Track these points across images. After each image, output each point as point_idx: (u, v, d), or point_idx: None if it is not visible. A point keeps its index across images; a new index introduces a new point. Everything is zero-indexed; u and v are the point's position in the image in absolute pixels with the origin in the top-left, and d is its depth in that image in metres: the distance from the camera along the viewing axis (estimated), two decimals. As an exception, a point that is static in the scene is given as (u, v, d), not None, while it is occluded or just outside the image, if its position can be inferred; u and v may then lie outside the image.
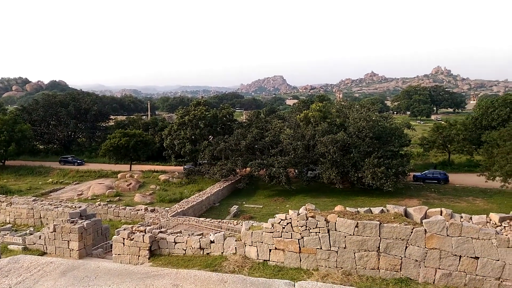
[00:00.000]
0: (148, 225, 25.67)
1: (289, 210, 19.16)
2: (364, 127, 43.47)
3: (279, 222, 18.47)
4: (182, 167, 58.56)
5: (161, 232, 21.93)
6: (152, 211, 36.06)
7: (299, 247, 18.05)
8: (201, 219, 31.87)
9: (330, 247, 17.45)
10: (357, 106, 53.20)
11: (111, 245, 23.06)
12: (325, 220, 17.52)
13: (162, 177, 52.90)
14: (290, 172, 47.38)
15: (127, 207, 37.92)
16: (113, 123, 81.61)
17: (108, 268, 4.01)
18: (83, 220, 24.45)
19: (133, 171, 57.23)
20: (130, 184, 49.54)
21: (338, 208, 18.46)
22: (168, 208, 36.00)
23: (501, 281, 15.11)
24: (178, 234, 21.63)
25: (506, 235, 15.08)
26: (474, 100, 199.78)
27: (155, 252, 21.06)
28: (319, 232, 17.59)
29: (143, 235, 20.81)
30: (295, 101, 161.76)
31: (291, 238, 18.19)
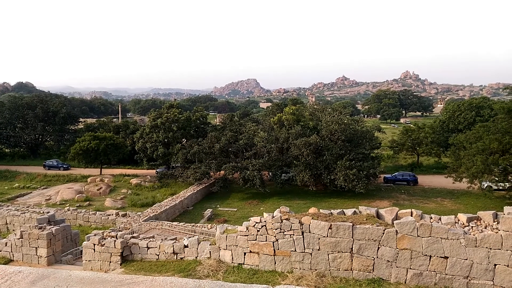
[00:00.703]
0: (119, 230, 25.10)
1: (264, 213, 19.20)
2: (336, 130, 44.12)
3: (254, 225, 18.47)
4: (154, 171, 57.72)
5: (133, 237, 21.51)
6: (124, 216, 35.35)
7: (274, 249, 18.10)
8: (175, 223, 31.46)
9: (304, 249, 17.58)
10: (329, 110, 53.90)
11: (81, 251, 22.46)
12: (299, 222, 17.65)
13: (134, 181, 51.90)
14: (264, 175, 47.50)
15: (97, 212, 37.10)
16: (82, 126, 79.51)
17: (80, 276, 3.88)
18: (52, 226, 23.67)
19: (104, 175, 55.94)
20: (101, 188, 48.36)
21: (312, 210, 18.64)
22: (140, 213, 35.37)
23: (469, 280, 15.62)
24: (151, 239, 21.27)
25: (474, 235, 15.61)
26: (441, 104, 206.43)
27: (127, 258, 20.62)
28: (294, 235, 17.70)
29: (115, 241, 20.34)
30: (269, 104, 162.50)
31: (266, 241, 18.21)
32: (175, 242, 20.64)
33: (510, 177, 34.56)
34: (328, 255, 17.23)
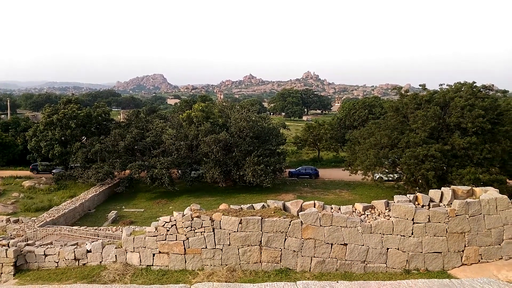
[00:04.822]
0: (11, 238, 22.71)
1: (174, 212, 18.90)
2: (245, 127, 44.98)
3: (163, 225, 18.10)
4: (50, 172, 53.19)
5: (28, 244, 19.69)
6: (16, 222, 32.07)
7: (184, 248, 17.93)
8: (75, 227, 29.39)
9: (215, 246, 17.72)
10: (238, 107, 54.73)
11: (-37, 265, 19.78)
12: (210, 219, 17.73)
13: (27, 183, 47.27)
14: (173, 172, 46.57)
15: (-17, 219, 33.05)
16: (-38, 123, 69.90)
17: (-29, 292, 3.46)
18: None
19: (-10, 178, 49.99)
20: (-14, 193, 43.11)
21: (223, 206, 18.83)
22: (35, 218, 32.45)
23: (366, 264, 17.17)
24: (49, 246, 19.68)
25: (369, 222, 17.19)
26: (338, 102, 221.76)
27: (21, 268, 18.78)
28: (205, 232, 17.73)
29: (6, 250, 18.41)
30: (177, 100, 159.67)
31: (176, 240, 17.97)
32: (76, 247, 19.34)
33: (398, 168, 38.52)
34: (238, 249, 17.58)
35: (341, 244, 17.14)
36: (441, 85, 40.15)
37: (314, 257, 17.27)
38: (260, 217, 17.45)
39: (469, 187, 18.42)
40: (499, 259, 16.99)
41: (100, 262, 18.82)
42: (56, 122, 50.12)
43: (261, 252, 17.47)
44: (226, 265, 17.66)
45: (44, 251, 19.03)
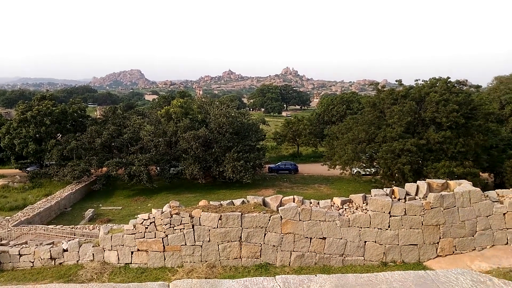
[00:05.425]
0: (-17, 239, 22.07)
1: (152, 209, 18.71)
2: (224, 123, 44.85)
3: (142, 223, 17.91)
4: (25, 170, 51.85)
5: (1, 244, 19.24)
6: (-12, 222, 31.10)
7: (163, 245, 17.80)
8: (51, 226, 28.81)
9: (195, 242, 17.66)
10: (217, 103, 54.47)
11: None
12: (189, 215, 17.64)
13: (0, 182, 45.95)
14: (152, 169, 46.08)
15: (-47, 220, 31.96)
16: None
17: None
18: None
19: (-40, 177, 48.37)
20: (-44, 192, 41.71)
21: (202, 202, 18.76)
22: (9, 217, 31.60)
23: (344, 257, 17.42)
24: (24, 246, 19.23)
25: (347, 216, 17.43)
26: (317, 98, 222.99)
27: (-6, 269, 18.25)
28: (184, 229, 17.64)
29: (-22, 251, 17.83)
30: (155, 96, 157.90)
31: (155, 237, 17.82)
32: (52, 246, 18.96)
33: (375, 163, 39.16)
34: (218, 245, 17.57)
35: (320, 238, 17.33)
36: (417, 80, 40.92)
37: (293, 251, 17.42)
38: (240, 213, 17.47)
39: (444, 180, 18.87)
40: (473, 250, 17.51)
41: (77, 261, 18.51)
42: (30, 119, 48.85)
43: (241, 248, 17.50)
44: (206, 261, 17.63)
45: (19, 251, 18.58)
